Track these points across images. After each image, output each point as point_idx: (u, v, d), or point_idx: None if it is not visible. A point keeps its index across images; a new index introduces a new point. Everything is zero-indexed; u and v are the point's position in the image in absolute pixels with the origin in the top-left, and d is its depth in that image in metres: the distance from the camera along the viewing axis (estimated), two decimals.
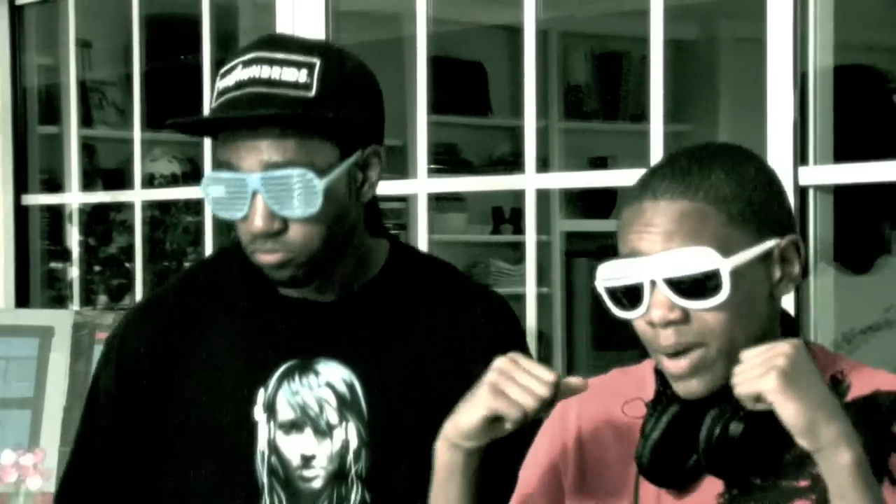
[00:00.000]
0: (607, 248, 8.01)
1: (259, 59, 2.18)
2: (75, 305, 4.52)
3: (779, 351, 1.86)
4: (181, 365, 2.36)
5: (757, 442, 2.03)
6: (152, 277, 4.48)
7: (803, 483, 2.10)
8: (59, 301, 4.66)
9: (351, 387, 2.33)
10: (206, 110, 3.01)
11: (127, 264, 4.43)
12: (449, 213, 6.60)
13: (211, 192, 2.22)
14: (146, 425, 2.36)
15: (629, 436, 2.14)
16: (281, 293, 2.33)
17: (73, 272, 4.61)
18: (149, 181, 4.27)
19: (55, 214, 4.62)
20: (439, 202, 3.32)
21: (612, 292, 2.02)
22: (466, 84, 6.95)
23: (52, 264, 4.66)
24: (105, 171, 5.18)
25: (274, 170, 2.13)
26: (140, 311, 2.56)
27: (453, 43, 5.71)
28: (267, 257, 2.20)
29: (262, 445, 2.30)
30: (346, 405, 2.32)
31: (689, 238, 1.96)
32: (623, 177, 2.78)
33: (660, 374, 2.10)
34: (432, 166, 3.46)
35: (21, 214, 4.59)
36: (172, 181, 5.08)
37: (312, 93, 2.16)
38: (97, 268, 4.69)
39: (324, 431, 2.31)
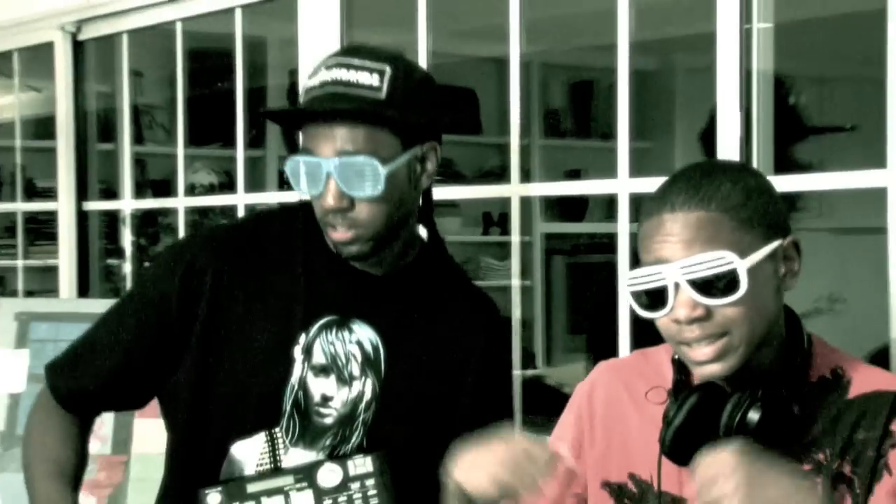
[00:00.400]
0: (579, 246, 7.94)
1: (340, 63, 2.20)
2: None
3: (729, 467, 1.82)
4: (237, 295, 2.34)
5: (772, 428, 1.99)
6: None
7: (807, 467, 2.05)
8: (115, 292, 4.57)
9: (376, 348, 2.35)
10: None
11: None
12: (446, 217, 6.52)
13: (292, 173, 2.22)
14: (185, 337, 2.32)
15: (650, 415, 2.12)
16: (332, 257, 2.33)
17: (127, 268, 4.52)
18: (190, 190, 4.20)
19: (111, 218, 4.54)
20: (438, 208, 3.25)
21: (638, 295, 2.00)
22: (461, 107, 6.90)
23: (109, 261, 4.58)
24: (153, 181, 5.12)
25: (346, 156, 2.16)
26: (213, 237, 2.51)
27: (449, 73, 5.63)
28: (337, 235, 2.23)
29: (293, 379, 2.30)
30: (368, 362, 2.34)
31: (707, 244, 1.94)
32: (593, 187, 2.66)
33: (677, 364, 2.10)
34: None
35: (82, 219, 4.49)
36: (210, 190, 5.03)
37: (382, 95, 2.18)
38: (147, 264, 4.63)
39: (345, 380, 2.33)
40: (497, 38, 3.12)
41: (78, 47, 4.42)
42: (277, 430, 2.31)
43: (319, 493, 2.21)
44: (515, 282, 3.22)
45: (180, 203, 4.18)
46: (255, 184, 4.57)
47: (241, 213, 4.01)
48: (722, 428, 2.00)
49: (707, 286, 1.93)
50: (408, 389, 2.35)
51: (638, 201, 2.87)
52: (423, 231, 2.49)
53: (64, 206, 4.50)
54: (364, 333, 2.34)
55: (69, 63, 4.43)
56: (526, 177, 3.16)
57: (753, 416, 1.98)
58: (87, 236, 4.50)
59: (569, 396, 2.32)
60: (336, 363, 2.32)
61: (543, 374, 6.14)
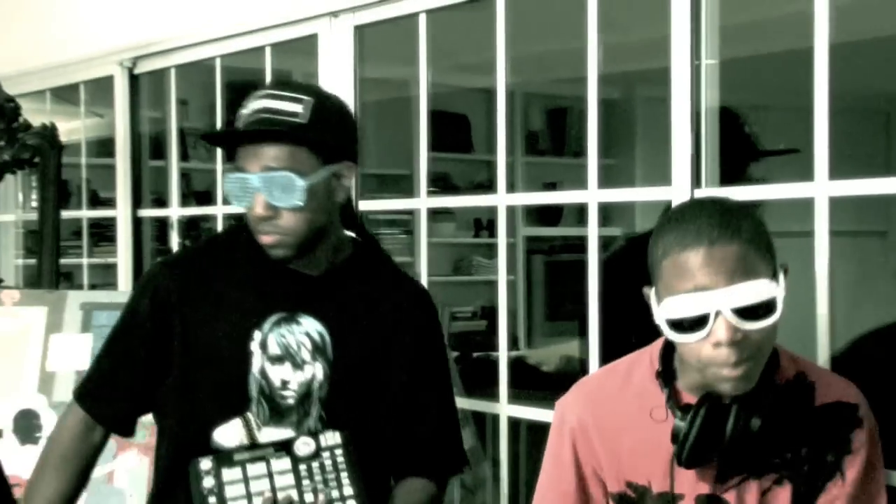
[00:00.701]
0: (555, 247, 7.87)
1: (268, 94, 2.24)
2: None
3: None
4: (199, 305, 2.38)
5: (771, 431, 1.96)
6: None
7: (778, 459, 2.03)
8: None
9: (322, 336, 2.37)
10: None
11: None
12: (442, 223, 6.51)
13: (228, 189, 2.28)
14: (167, 345, 2.36)
15: (644, 427, 2.07)
16: (274, 264, 2.34)
17: None
18: (226, 199, 4.20)
19: (161, 224, 4.52)
20: (435, 214, 3.27)
21: (677, 323, 1.91)
22: (455, 130, 6.90)
23: (160, 259, 4.57)
24: (196, 192, 5.11)
25: (270, 172, 2.20)
26: (174, 261, 2.66)
27: (446, 101, 5.62)
28: (266, 238, 2.27)
29: (255, 370, 2.34)
30: (317, 349, 2.37)
31: (747, 273, 1.87)
32: (567, 197, 2.66)
33: (663, 379, 2.06)
34: (430, 189, 3.39)
35: (137, 224, 4.50)
36: None
37: (304, 120, 2.22)
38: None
39: (299, 365, 2.36)
40: (486, 71, 3.12)
41: (134, 80, 4.42)
42: (250, 414, 2.34)
43: (296, 460, 2.24)
44: (502, 277, 3.19)
45: (218, 210, 4.19)
46: None
47: None
48: (728, 434, 1.95)
49: (746, 312, 1.87)
50: (353, 368, 2.38)
51: (605, 209, 2.88)
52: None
53: (122, 214, 4.51)
54: (311, 325, 2.36)
55: (126, 93, 4.44)
56: (510, 188, 3.15)
57: (755, 422, 1.94)
58: (140, 238, 4.51)
59: (546, 374, 2.33)
60: (289, 352, 2.35)
61: (525, 354, 6.09)
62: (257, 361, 2.34)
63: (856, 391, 2.04)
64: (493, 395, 3.16)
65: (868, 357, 2.73)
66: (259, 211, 2.22)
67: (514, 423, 3.08)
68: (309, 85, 2.37)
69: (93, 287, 4.95)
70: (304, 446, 2.25)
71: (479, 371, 4.31)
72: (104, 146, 4.62)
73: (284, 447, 2.25)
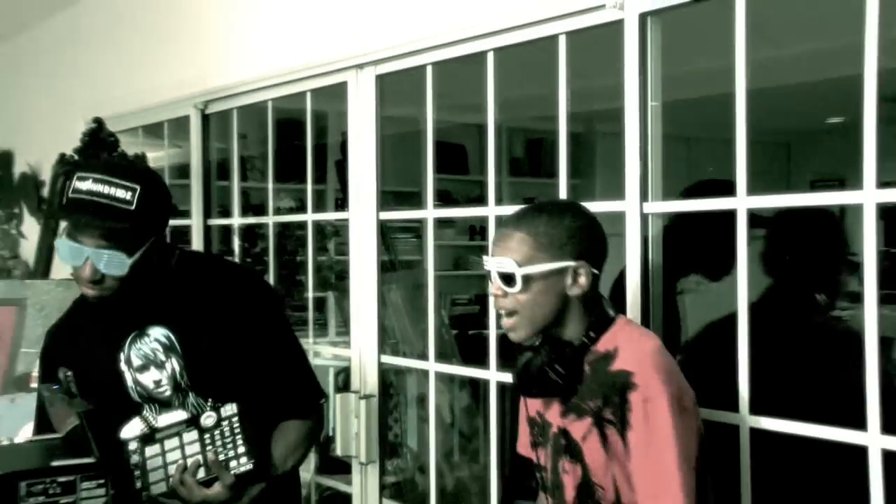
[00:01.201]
0: None
1: (103, 179, 2.13)
2: None
3: None
4: (76, 352, 2.40)
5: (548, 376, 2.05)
6: (278, 264, 4.36)
7: (585, 408, 2.04)
8: None
9: (168, 338, 2.34)
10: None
11: (265, 258, 4.34)
12: (445, 229, 6.61)
13: (62, 250, 2.20)
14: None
15: None
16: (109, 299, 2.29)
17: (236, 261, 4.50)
18: (276, 211, 4.18)
19: (226, 230, 4.48)
20: (439, 223, 3.26)
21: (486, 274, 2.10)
22: (454, 157, 6.90)
23: (224, 258, 4.55)
24: (253, 205, 5.06)
25: (101, 249, 2.14)
26: (54, 329, 2.56)
27: (446, 133, 5.63)
28: (89, 292, 2.22)
29: (130, 382, 2.35)
30: (168, 349, 2.33)
31: (510, 252, 2.02)
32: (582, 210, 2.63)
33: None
34: (435, 202, 3.36)
35: (207, 230, 4.50)
36: (289, 211, 4.98)
37: (133, 207, 2.13)
38: (248, 259, 4.62)
39: (160, 365, 2.33)
40: (478, 111, 3.09)
41: (205, 119, 4.41)
42: (145, 412, 2.35)
43: (202, 431, 2.22)
44: None
45: (270, 220, 4.19)
46: (318, 207, 4.55)
47: (309, 226, 3.99)
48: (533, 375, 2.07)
49: (502, 278, 2.02)
50: (198, 354, 2.33)
51: None
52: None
53: (195, 222, 4.50)
54: (158, 332, 2.33)
55: (199, 129, 4.42)
56: (498, 202, 3.12)
57: (537, 361, 2.07)
58: (210, 241, 4.50)
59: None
60: (149, 358, 2.33)
61: None
62: (129, 376, 2.34)
63: (640, 365, 1.96)
64: (484, 364, 3.11)
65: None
66: (88, 275, 2.16)
67: (502, 387, 3.04)
68: (138, 171, 2.29)
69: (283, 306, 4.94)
70: (208, 419, 2.23)
71: (473, 345, 4.27)
72: (182, 170, 4.61)
73: (193, 421, 2.25)
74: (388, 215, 3.55)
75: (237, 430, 2.22)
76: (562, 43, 2.78)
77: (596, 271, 2.04)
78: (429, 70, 3.24)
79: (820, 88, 5.06)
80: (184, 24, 4.44)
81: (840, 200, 2.39)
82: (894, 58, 2.11)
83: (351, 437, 3.50)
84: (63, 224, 2.27)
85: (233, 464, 2.20)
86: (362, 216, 3.52)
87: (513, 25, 2.89)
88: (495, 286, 2.03)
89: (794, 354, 2.56)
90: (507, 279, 2.00)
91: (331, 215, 5.05)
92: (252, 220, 4.46)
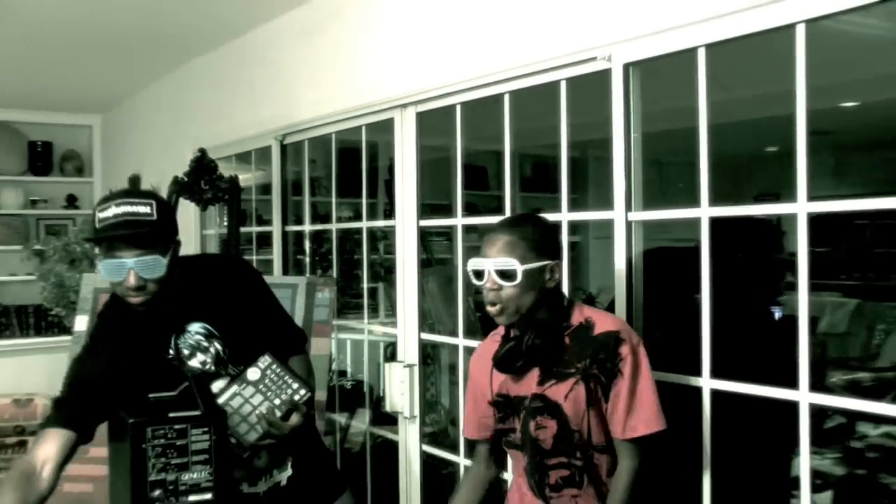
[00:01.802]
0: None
1: (124, 202, 2.08)
2: (307, 273, 4.40)
3: None
4: (115, 364, 2.21)
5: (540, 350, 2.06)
6: (339, 262, 4.35)
7: (573, 369, 2.06)
8: (300, 272, 4.50)
9: (206, 328, 2.28)
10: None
11: (329, 256, 4.35)
12: (471, 234, 6.38)
13: (105, 268, 2.11)
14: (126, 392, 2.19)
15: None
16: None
17: (307, 260, 4.50)
18: (338, 220, 4.18)
19: (299, 235, 4.48)
20: (467, 229, 3.25)
21: (472, 273, 2.07)
22: (478, 176, 6.89)
23: (298, 256, 4.56)
24: (320, 215, 5.08)
25: (142, 256, 2.08)
26: (83, 354, 2.34)
27: (473, 158, 5.63)
28: (134, 300, 2.14)
29: (186, 369, 2.26)
30: (209, 336, 2.29)
31: (503, 253, 2.02)
32: (548, 217, 2.63)
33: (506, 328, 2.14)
34: (463, 213, 3.36)
35: (284, 235, 4.50)
36: (348, 220, 4.92)
37: (154, 217, 2.09)
38: (317, 258, 4.63)
39: (204, 350, 2.28)
40: (497, 140, 3.09)
41: (283, 148, 4.42)
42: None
43: (255, 384, 2.17)
44: None
45: (333, 227, 4.18)
46: (371, 216, 4.56)
47: (364, 231, 3.97)
48: (524, 349, 2.06)
49: (501, 274, 2.01)
50: (230, 331, 2.29)
51: (573, 226, 2.86)
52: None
53: (276, 229, 4.51)
54: (196, 326, 2.27)
55: (279, 156, 4.44)
56: (512, 212, 3.13)
57: (529, 339, 2.06)
58: (287, 244, 4.51)
59: None
60: (194, 346, 2.27)
61: None
62: (180, 363, 2.26)
63: (619, 323, 2.07)
64: None
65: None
66: (133, 283, 2.08)
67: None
68: (148, 191, 2.23)
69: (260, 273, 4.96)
70: (252, 374, 2.18)
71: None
72: (265, 188, 4.62)
73: (241, 380, 2.18)
74: (426, 223, 3.55)
75: (281, 372, 2.18)
76: (563, 87, 2.79)
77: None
78: (458, 108, 3.25)
79: (761, 123, 5.04)
80: (267, 74, 4.45)
81: (777, 210, 2.40)
82: (817, 101, 2.12)
83: (397, 397, 3.51)
84: (97, 251, 2.21)
85: (295, 397, 2.17)
86: (406, 223, 3.52)
87: (524, 73, 2.90)
88: (491, 281, 2.02)
89: (744, 332, 2.56)
90: (505, 275, 2.01)
91: (381, 223, 5.04)
92: (319, 226, 4.47)
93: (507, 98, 3.02)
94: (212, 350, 2.27)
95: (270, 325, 2.36)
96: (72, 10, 4.11)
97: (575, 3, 2.72)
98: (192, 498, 1.88)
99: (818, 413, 2.19)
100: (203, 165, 4.08)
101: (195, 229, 5.18)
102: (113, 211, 2.06)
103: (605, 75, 2.60)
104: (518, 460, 2.18)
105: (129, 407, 2.03)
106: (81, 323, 3.05)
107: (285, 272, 4.44)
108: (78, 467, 2.82)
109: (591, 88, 2.67)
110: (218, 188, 4.09)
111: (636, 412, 2.00)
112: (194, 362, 2.27)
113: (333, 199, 4.20)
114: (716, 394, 2.34)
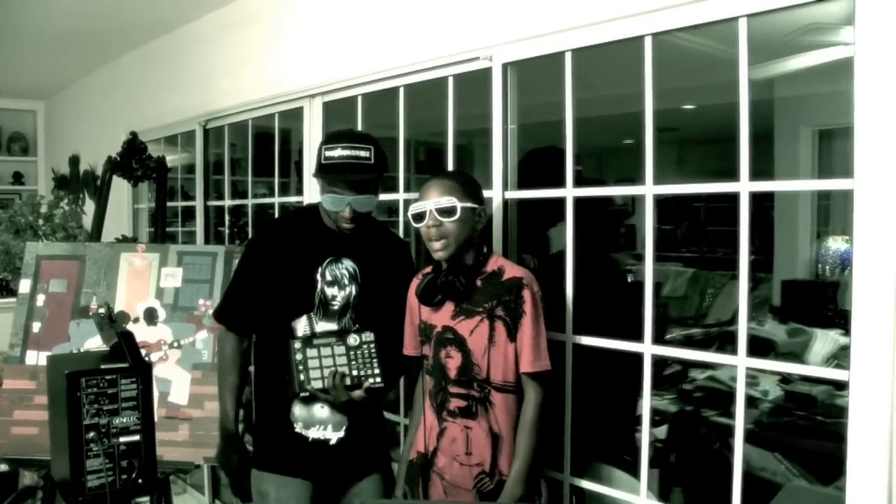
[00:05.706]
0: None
1: (349, 146, 2.11)
2: (226, 243, 4.29)
3: None
4: (287, 252, 2.25)
5: (455, 286, 2.06)
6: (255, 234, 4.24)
7: (479, 309, 2.05)
8: (220, 241, 4.40)
9: (354, 269, 2.24)
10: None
11: (246, 228, 4.29)
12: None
13: (327, 200, 2.16)
14: (270, 277, 2.24)
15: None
16: (329, 229, 2.25)
17: (226, 231, 4.41)
18: (254, 196, 4.05)
19: (220, 209, 4.26)
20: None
21: (413, 216, 2.05)
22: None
23: (218, 228, 4.46)
24: (238, 192, 4.82)
25: (359, 194, 2.13)
26: (270, 224, 2.50)
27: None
28: (346, 226, 2.18)
29: (318, 288, 2.23)
30: (352, 277, 2.25)
31: (445, 195, 2.02)
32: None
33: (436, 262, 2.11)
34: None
35: (206, 210, 4.27)
36: (262, 196, 4.76)
37: (372, 161, 2.12)
38: (235, 230, 4.54)
39: (342, 286, 2.23)
40: (392, 128, 2.99)
41: (206, 133, 4.27)
42: (312, 313, 2.22)
43: (347, 348, 2.14)
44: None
45: (249, 202, 4.06)
46: (282, 193, 4.42)
47: (276, 206, 3.84)
48: (440, 284, 2.06)
49: (441, 212, 2.00)
50: (372, 287, 2.25)
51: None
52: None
53: (199, 204, 4.37)
54: (349, 263, 2.24)
55: (201, 139, 4.28)
56: (406, 190, 3.07)
57: (451, 279, 2.05)
58: (209, 217, 4.38)
59: None
60: (336, 278, 2.22)
61: None
62: (320, 284, 2.22)
63: (526, 273, 2.05)
64: None
65: None
66: (348, 215, 2.13)
67: None
68: (367, 134, 2.23)
69: (183, 243, 4.74)
70: (352, 339, 2.15)
71: None
72: (190, 168, 4.48)
73: (340, 336, 2.15)
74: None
75: (374, 354, 2.15)
76: (450, 82, 2.74)
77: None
78: (359, 99, 3.16)
79: (618, 119, 5.12)
80: (192, 66, 4.30)
81: (630, 192, 2.35)
82: (663, 102, 2.15)
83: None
84: (319, 182, 2.16)
85: (370, 380, 2.14)
86: (314, 199, 3.42)
87: (417, 69, 2.85)
88: (433, 219, 2.00)
89: (600, 294, 2.59)
90: (445, 212, 2.00)
91: (290, 199, 4.95)
92: (237, 202, 4.33)
93: (401, 91, 2.95)
94: (346, 290, 2.23)
95: (396, 314, 2.25)
96: (17, 11, 4.06)
97: (461, 9, 2.67)
98: (122, 439, 1.80)
99: (659, 362, 2.22)
100: (134, 147, 3.94)
101: (128, 203, 5.00)
102: (339, 153, 2.10)
103: (486, 73, 2.57)
104: (428, 383, 2.17)
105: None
106: (25, 286, 2.95)
107: (207, 242, 4.32)
108: (24, 413, 2.78)
109: (475, 85, 2.63)
110: (147, 167, 3.94)
111: (540, 349, 2.01)
112: (329, 291, 2.22)
113: (250, 178, 4.10)
114: (577, 347, 2.36)
